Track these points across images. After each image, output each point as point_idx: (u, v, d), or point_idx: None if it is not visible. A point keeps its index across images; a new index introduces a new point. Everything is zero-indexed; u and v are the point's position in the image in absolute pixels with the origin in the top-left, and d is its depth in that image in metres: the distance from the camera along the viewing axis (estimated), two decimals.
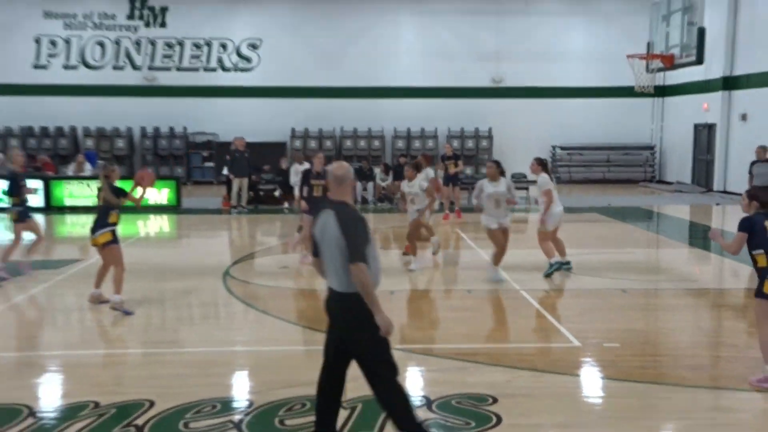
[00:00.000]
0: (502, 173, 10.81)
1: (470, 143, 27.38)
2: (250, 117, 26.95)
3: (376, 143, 27.38)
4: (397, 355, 7.27)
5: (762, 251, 6.23)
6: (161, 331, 8.52)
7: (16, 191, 11.38)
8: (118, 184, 9.31)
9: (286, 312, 9.23)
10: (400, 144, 27.31)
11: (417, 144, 27.17)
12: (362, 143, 27.30)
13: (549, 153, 27.53)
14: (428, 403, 6.06)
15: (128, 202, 9.33)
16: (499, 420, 5.70)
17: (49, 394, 6.52)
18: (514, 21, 27.72)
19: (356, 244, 4.73)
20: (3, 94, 27.18)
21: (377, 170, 22.44)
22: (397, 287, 10.68)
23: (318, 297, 10.10)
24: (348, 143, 27.27)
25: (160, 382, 6.61)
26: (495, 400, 6.08)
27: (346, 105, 27.47)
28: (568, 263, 11.48)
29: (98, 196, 9.24)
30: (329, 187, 5.06)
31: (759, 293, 6.28)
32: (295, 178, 15.02)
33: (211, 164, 26.95)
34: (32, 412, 5.95)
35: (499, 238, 10.76)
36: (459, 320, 8.94)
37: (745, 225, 6.39)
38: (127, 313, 8.95)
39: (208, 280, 11.26)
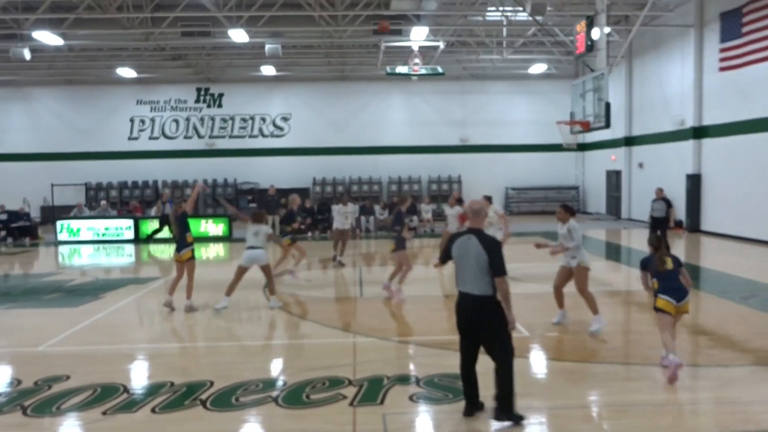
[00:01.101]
0: (572, 214, 7.84)
1: (445, 186, 27.40)
2: (282, 170, 26.99)
3: (375, 187, 27.37)
4: (392, 345, 7.31)
5: (655, 279, 6.18)
6: (218, 329, 8.47)
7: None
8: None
9: (308, 314, 9.17)
10: (394, 187, 27.30)
11: (406, 187, 27.16)
12: (365, 187, 27.28)
13: (503, 192, 27.56)
14: (417, 380, 5.99)
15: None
16: None
17: (138, 376, 6.48)
18: (475, 97, 27.89)
19: (501, 262, 4.83)
20: (106, 158, 27.22)
21: (377, 207, 22.43)
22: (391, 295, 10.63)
23: (333, 302, 10.06)
24: (355, 187, 27.28)
25: (217, 367, 6.55)
26: None
27: (353, 159, 27.52)
28: None
29: (171, 229, 9.54)
30: (468, 217, 5.10)
31: (655, 308, 6.19)
32: (339, 216, 14.90)
33: (253, 205, 26.89)
34: (126, 389, 5.91)
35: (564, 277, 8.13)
36: (439, 318, 8.90)
37: (642, 264, 6.39)
38: (193, 309, 9.35)
39: (251, 291, 11.23)
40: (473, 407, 5.10)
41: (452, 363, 6.48)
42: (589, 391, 5.81)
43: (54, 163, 27.04)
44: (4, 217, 21.03)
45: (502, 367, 4.86)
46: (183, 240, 9.36)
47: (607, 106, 14.45)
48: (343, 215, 14.44)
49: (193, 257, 9.47)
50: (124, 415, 5.29)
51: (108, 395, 5.72)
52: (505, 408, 4.88)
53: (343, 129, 27.70)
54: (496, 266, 4.79)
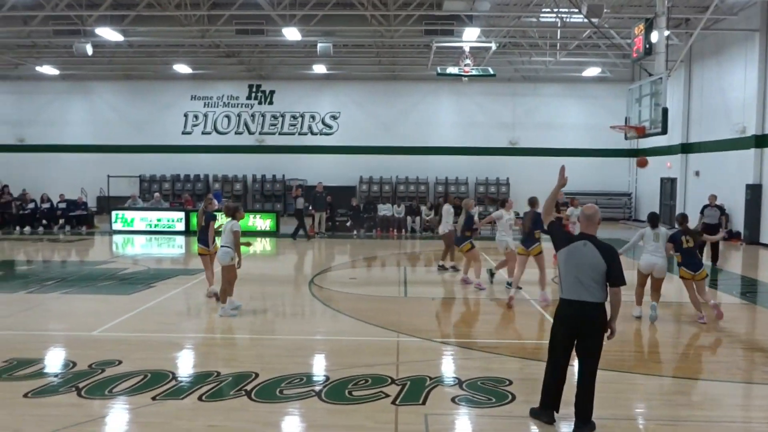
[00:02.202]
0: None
1: (492, 188, 27.15)
2: (330, 167, 27.20)
3: (422, 188, 27.32)
4: (435, 346, 7.30)
5: (679, 253, 8.72)
6: (263, 322, 8.60)
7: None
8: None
9: (353, 311, 9.21)
10: (440, 188, 27.19)
11: (453, 188, 27.04)
12: (411, 187, 27.27)
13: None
14: (459, 382, 5.96)
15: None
16: (514, 397, 5.58)
17: (185, 364, 6.63)
18: (526, 100, 27.55)
19: (620, 271, 4.76)
20: (160, 152, 27.97)
21: (423, 208, 22.39)
22: (437, 295, 10.63)
23: (374, 300, 10.10)
24: (401, 187, 27.29)
25: (262, 359, 6.67)
26: (510, 382, 5.95)
27: (400, 159, 27.53)
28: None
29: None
30: (580, 222, 4.96)
31: (680, 276, 8.74)
32: (446, 217, 13.19)
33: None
34: (174, 376, 6.07)
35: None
36: (484, 322, 8.84)
37: (671, 238, 8.80)
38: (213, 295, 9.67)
39: (297, 286, 11.39)
40: (555, 413, 5.00)
41: (496, 367, 6.45)
42: (637, 403, 5.67)
43: (111, 155, 27.96)
44: (63, 205, 21.89)
45: (590, 375, 4.79)
46: (206, 235, 9.86)
47: (665, 111, 14.07)
48: (450, 215, 13.13)
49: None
50: (173, 402, 5.44)
51: (157, 381, 5.89)
52: (589, 416, 4.80)
53: (392, 128, 27.76)
54: (616, 275, 4.72)
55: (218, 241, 9.31)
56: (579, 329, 4.78)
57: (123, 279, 11.90)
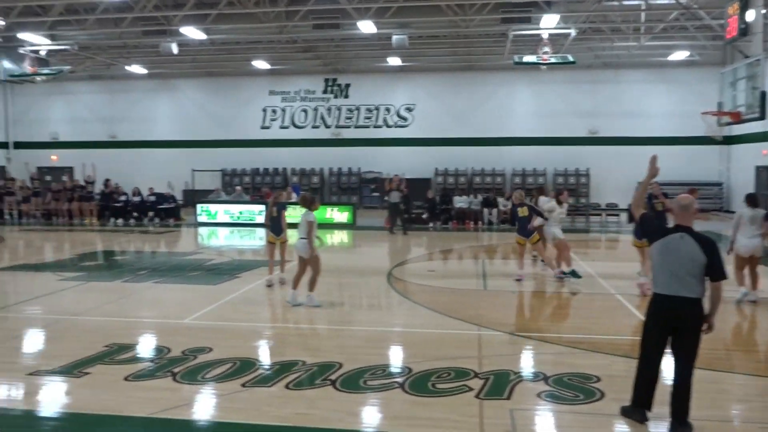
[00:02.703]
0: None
1: (572, 179, 26.40)
2: (405, 159, 27.19)
3: (499, 179, 26.91)
4: (517, 340, 7.20)
5: None
6: (343, 313, 8.73)
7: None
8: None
9: (432, 303, 9.21)
10: (517, 180, 26.71)
11: (530, 180, 26.51)
12: (488, 179, 26.91)
13: (635, 188, 26.05)
14: (545, 378, 5.84)
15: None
16: (603, 395, 5.41)
17: (272, 353, 6.80)
18: (607, 87, 26.55)
19: (722, 265, 4.59)
20: (241, 146, 28.84)
21: (501, 199, 22.07)
22: (518, 288, 10.47)
23: (453, 293, 10.05)
24: (477, 179, 26.97)
25: (346, 350, 6.77)
26: (599, 379, 5.77)
27: (476, 150, 27.21)
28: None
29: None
30: (675, 214, 4.77)
31: None
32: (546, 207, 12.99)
33: (376, 194, 27.44)
34: (262, 365, 6.22)
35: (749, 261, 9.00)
36: (567, 316, 8.63)
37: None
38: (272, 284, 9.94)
39: (375, 278, 11.49)
40: (647, 412, 4.83)
41: (582, 363, 6.29)
42: (735, 404, 5.39)
43: (195, 150, 29.12)
44: (153, 198, 23.02)
45: (687, 373, 4.61)
46: (279, 225, 10.58)
47: (763, 95, 13.21)
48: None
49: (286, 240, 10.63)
50: (262, 389, 5.62)
51: (246, 369, 6.10)
52: (686, 416, 4.62)
53: (467, 119, 27.46)
54: (717, 269, 4.53)
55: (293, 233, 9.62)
56: (675, 326, 4.58)
57: (209, 270, 12.39)
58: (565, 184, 25.93)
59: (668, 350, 4.73)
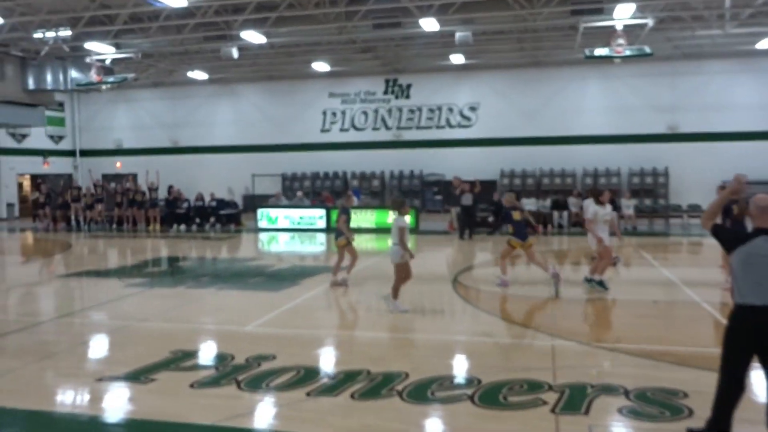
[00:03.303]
0: None
1: (648, 179, 25.49)
2: (469, 161, 26.93)
3: (569, 180, 26.28)
4: (594, 351, 6.97)
5: None
6: (408, 321, 8.69)
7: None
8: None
9: (501, 311, 9.06)
10: (588, 180, 26.04)
11: (603, 180, 25.76)
12: (557, 180, 26.32)
13: (718, 188, 24.88)
14: (626, 392, 5.60)
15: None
16: (691, 412, 5.14)
17: (336, 361, 6.84)
18: (687, 79, 25.53)
19: None
20: (300, 150, 29.30)
21: (571, 199, 21.54)
22: (593, 295, 10.16)
23: (522, 301, 9.85)
24: (545, 180, 26.41)
25: (411, 360, 6.72)
26: (686, 395, 5.49)
27: (544, 150, 26.68)
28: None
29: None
30: (753, 217, 4.52)
31: None
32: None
33: (439, 197, 27.31)
34: (326, 373, 6.26)
35: None
36: (648, 326, 8.31)
37: None
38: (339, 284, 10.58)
39: (440, 284, 11.41)
40: None
41: (667, 376, 6.02)
42: None
43: (254, 155, 29.79)
44: (214, 204, 23.71)
45: None
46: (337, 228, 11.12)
47: None
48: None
49: (348, 244, 11.01)
50: (326, 399, 5.64)
51: (310, 377, 6.14)
52: None
53: (534, 118, 26.99)
54: None
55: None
56: (763, 339, 4.29)
57: (271, 276, 12.62)
58: (641, 184, 25.12)
59: (756, 365, 4.43)
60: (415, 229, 20.76)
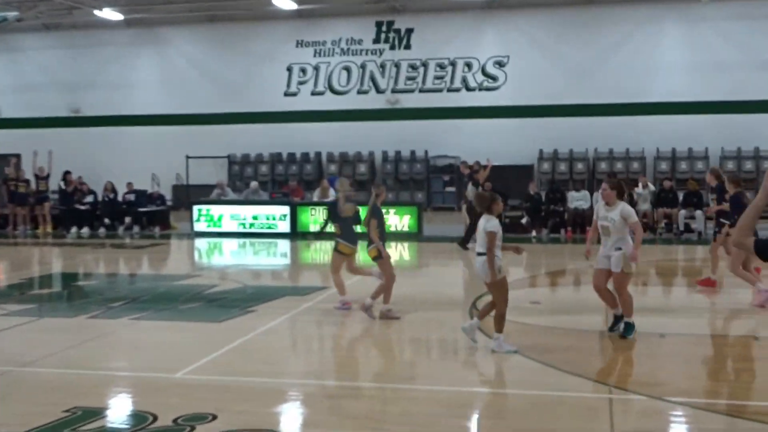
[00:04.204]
0: None
1: (749, 165, 25.59)
2: (494, 139, 26.90)
3: (635, 165, 26.37)
4: (667, 407, 6.97)
5: None
6: (406, 364, 8.64)
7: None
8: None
9: (537, 351, 9.01)
10: (664, 166, 26.11)
11: (683, 166, 25.86)
12: (619, 165, 26.39)
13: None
14: None
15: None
16: None
17: (304, 423, 6.80)
18: None
19: None
20: (256, 121, 29.26)
21: (639, 191, 21.57)
22: (668, 329, 10.18)
23: (567, 335, 9.85)
24: (602, 165, 26.48)
25: (412, 419, 6.67)
26: None
27: (600, 123, 26.72)
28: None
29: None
30: None
31: None
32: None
33: (452, 189, 27.32)
34: None
35: None
36: (748, 372, 8.32)
37: None
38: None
39: (452, 312, 11.37)
40: None
41: None
42: None
43: (190, 129, 29.66)
44: (131, 198, 23.60)
45: None
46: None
47: None
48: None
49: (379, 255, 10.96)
50: None
51: None
52: None
53: (586, 78, 27.04)
54: None
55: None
56: None
57: (211, 300, 12.55)
58: (738, 169, 25.16)
59: None
60: (417, 235, 20.77)
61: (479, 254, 8.93)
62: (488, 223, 8.79)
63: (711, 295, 12.59)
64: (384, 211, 21.06)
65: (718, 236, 12.59)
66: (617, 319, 9.62)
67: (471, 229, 18.65)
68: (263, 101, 29.34)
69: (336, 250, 11.36)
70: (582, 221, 21.38)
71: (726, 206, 12.22)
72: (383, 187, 11.48)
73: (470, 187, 18.98)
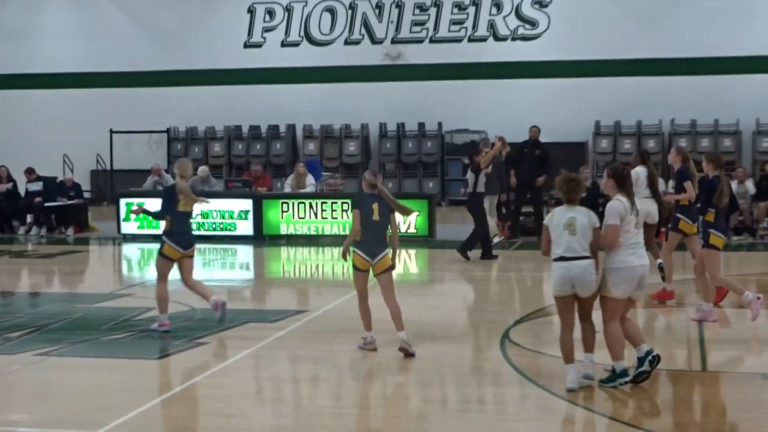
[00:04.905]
0: None
1: None
2: (532, 106, 26.91)
3: (727, 142, 26.37)
4: None
5: None
6: (413, 420, 8.57)
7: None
8: None
9: (598, 400, 8.98)
10: (766, 143, 26.10)
11: None
12: (705, 142, 26.42)
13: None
14: None
15: None
16: None
17: None
18: None
19: None
20: (205, 83, 29.28)
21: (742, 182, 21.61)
22: None
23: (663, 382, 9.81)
24: (682, 142, 26.36)
25: None
26: None
27: (678, 86, 26.79)
28: None
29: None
30: None
31: None
32: None
33: (465, 177, 27.20)
34: None
35: None
36: None
37: None
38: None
39: (475, 344, 11.35)
40: None
41: None
42: None
43: (116, 93, 29.65)
44: (35, 188, 23.44)
45: None
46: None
47: None
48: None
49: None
50: None
51: None
52: None
53: (659, 24, 27.16)
54: None
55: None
56: None
57: (146, 329, 12.46)
58: None
59: None
60: (427, 238, 20.72)
61: (582, 257, 8.98)
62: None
63: None
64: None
65: None
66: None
67: (476, 234, 18.60)
68: (216, 55, 29.31)
69: (161, 253, 11.71)
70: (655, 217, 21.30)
71: None
72: (374, 172, 11.33)
73: (469, 174, 18.90)
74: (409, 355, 10.27)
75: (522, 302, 14.66)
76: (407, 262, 18.93)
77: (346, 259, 10.84)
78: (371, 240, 10.61)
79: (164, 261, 11.75)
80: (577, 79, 27.25)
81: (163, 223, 11.87)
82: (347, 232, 11.63)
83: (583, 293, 8.99)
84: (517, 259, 18.96)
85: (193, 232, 12.42)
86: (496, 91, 27.65)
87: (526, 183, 21.40)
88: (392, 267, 10.84)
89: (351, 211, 11.28)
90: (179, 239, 11.69)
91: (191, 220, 12.11)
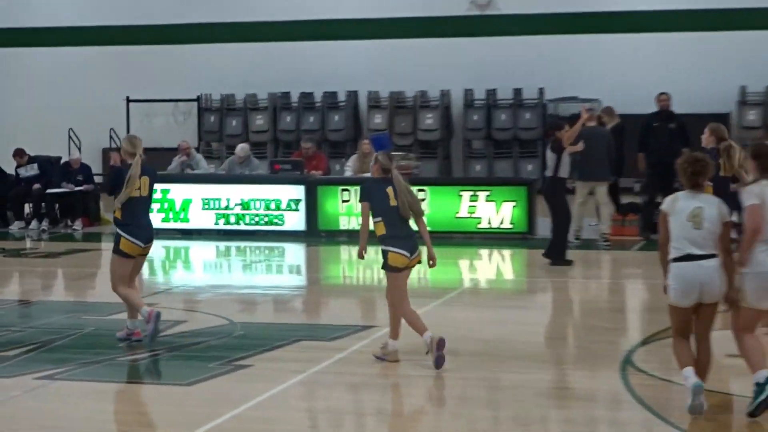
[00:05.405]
0: None
1: None
2: (660, 67, 26.80)
3: None
4: None
5: None
6: None
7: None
8: None
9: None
10: None
11: None
12: None
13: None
14: None
15: None
16: None
17: None
18: None
19: None
20: (247, 39, 29.66)
21: None
22: None
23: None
24: None
25: None
26: None
27: None
28: None
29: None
30: None
31: None
32: None
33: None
34: None
35: None
36: None
37: None
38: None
39: (587, 371, 11.34)
40: None
41: None
42: None
43: (133, 52, 29.99)
44: (31, 173, 23.75)
45: None
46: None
47: None
48: None
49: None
50: None
51: None
52: None
53: None
54: None
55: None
56: None
57: (174, 347, 12.61)
58: None
59: None
60: (525, 234, 20.72)
61: (710, 255, 9.02)
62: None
63: None
64: (470, 193, 21.32)
65: None
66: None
67: (559, 228, 18.40)
68: (257, 4, 29.46)
69: (116, 249, 11.84)
70: None
71: None
72: (388, 154, 11.56)
73: (549, 154, 18.43)
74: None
75: (647, 318, 14.60)
76: (500, 267, 18.97)
77: (362, 257, 11.25)
78: (405, 233, 11.01)
79: (120, 261, 11.90)
80: (718, 32, 27.10)
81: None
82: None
83: (709, 299, 9.03)
84: (639, 263, 18.84)
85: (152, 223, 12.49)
86: (613, 48, 27.60)
87: (661, 165, 20.38)
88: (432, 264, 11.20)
89: (359, 202, 11.38)
90: (139, 231, 11.86)
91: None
